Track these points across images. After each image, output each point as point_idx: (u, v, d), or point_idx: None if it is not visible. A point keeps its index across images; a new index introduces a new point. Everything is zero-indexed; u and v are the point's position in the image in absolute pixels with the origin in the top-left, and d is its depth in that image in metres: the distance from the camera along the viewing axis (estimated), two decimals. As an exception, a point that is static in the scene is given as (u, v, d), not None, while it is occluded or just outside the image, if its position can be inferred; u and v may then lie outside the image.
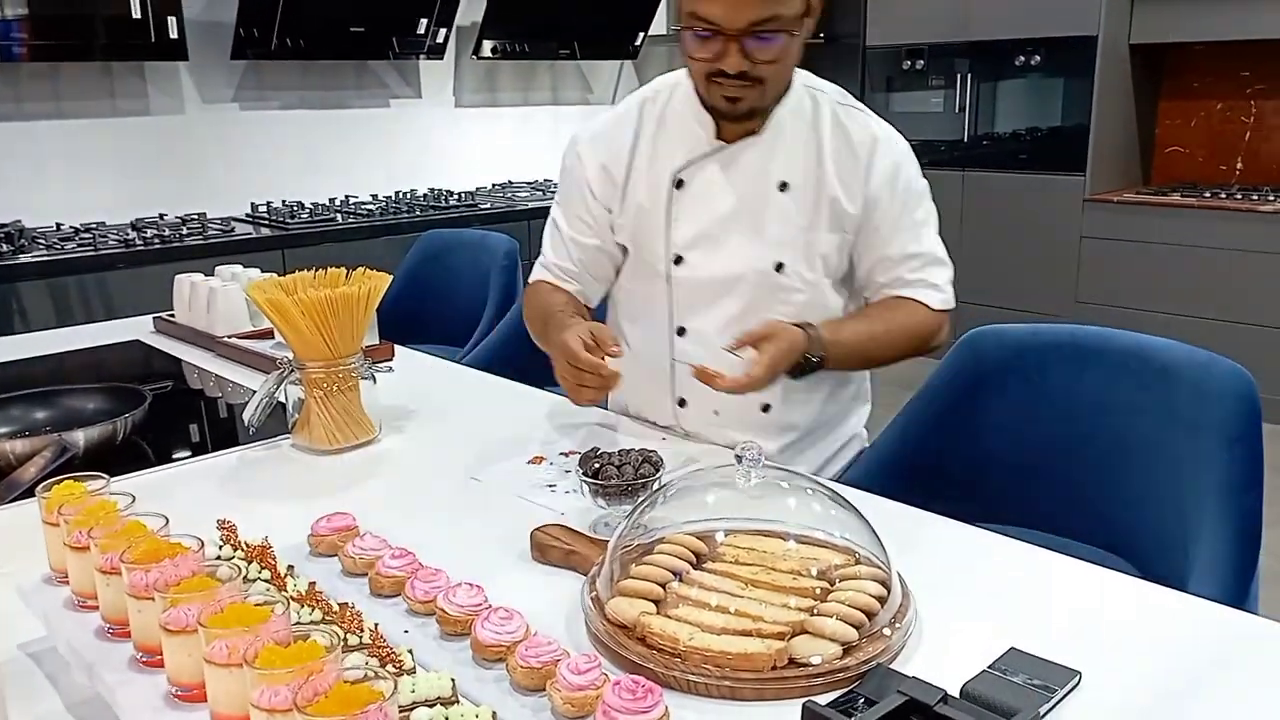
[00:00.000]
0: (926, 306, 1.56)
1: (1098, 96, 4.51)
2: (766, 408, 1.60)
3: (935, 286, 1.57)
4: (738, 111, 1.45)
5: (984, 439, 1.69)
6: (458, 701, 0.82)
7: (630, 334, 1.67)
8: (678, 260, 1.55)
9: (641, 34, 5.01)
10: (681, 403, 1.63)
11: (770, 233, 1.51)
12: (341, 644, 0.74)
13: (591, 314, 1.67)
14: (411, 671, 0.84)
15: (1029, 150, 4.83)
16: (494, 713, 0.80)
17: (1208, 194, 4.31)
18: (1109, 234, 4.53)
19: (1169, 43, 4.51)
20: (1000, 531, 1.24)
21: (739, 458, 1.07)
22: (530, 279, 1.72)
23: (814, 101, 1.53)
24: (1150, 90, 4.79)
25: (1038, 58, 4.70)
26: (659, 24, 5.09)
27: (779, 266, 1.52)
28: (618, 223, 1.60)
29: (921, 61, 5.10)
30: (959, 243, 5.15)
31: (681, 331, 1.59)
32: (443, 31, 4.30)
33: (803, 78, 1.53)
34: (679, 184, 1.53)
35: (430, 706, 0.79)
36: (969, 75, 4.93)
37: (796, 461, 1.62)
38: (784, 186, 1.50)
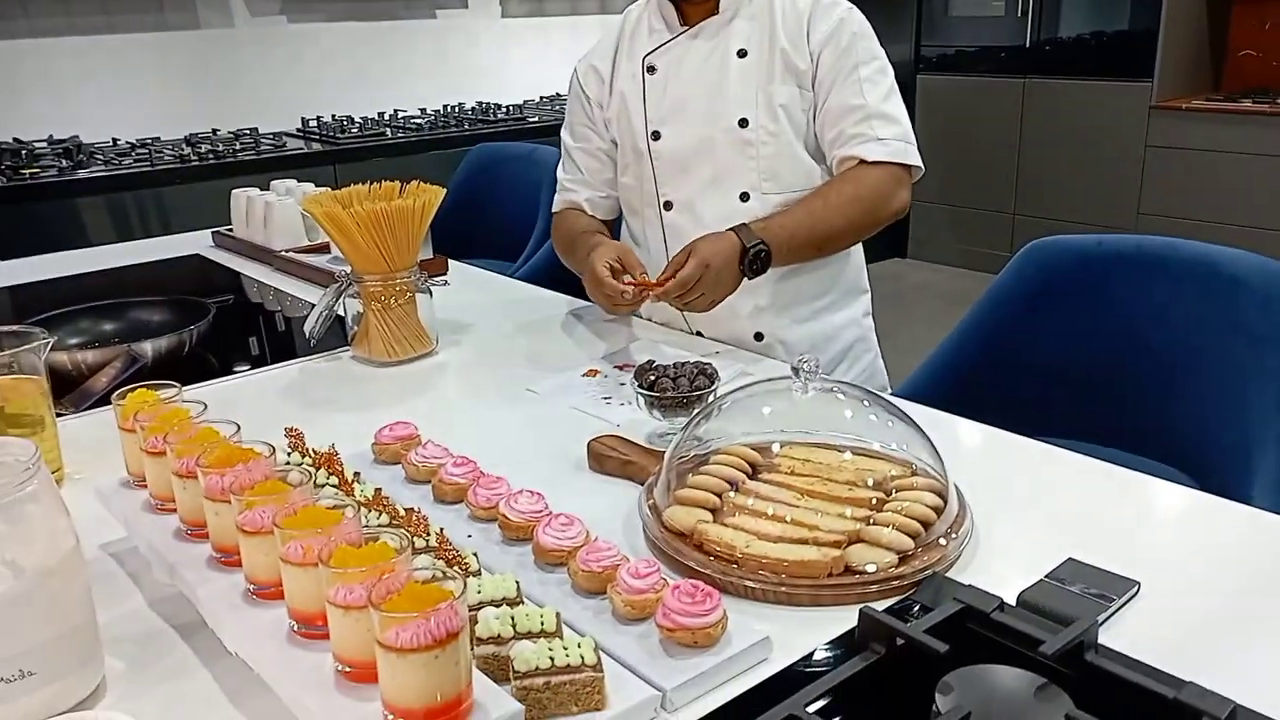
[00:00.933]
0: (865, 162, 1.57)
1: (1168, -1, 4.32)
2: (759, 336, 1.68)
3: (878, 139, 1.57)
4: None
5: (1043, 351, 1.67)
6: (522, 602, 0.85)
7: (633, 227, 1.79)
8: (655, 136, 1.67)
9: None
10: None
11: (732, 93, 1.61)
12: (410, 546, 0.76)
13: (612, 232, 1.81)
14: (477, 574, 0.87)
15: (1094, 55, 4.65)
16: (557, 613, 0.82)
17: (1281, 100, 4.15)
18: (1176, 143, 4.38)
19: (1247, -61, 4.29)
20: (1059, 444, 1.24)
21: (795, 370, 1.07)
22: (554, 207, 1.84)
23: None
24: (1224, -9, 4.58)
25: (1107, -43, 4.50)
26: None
27: (743, 122, 1.61)
28: (607, 117, 1.74)
29: (983, -38, 4.91)
30: (1018, 153, 5.06)
31: (668, 206, 1.69)
32: (489, -62, 4.21)
33: None
34: (651, 69, 1.67)
35: (496, 606, 0.81)
36: (1033, -23, 4.74)
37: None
38: (742, 53, 1.61)
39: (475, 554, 0.90)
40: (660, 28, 1.68)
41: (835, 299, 1.72)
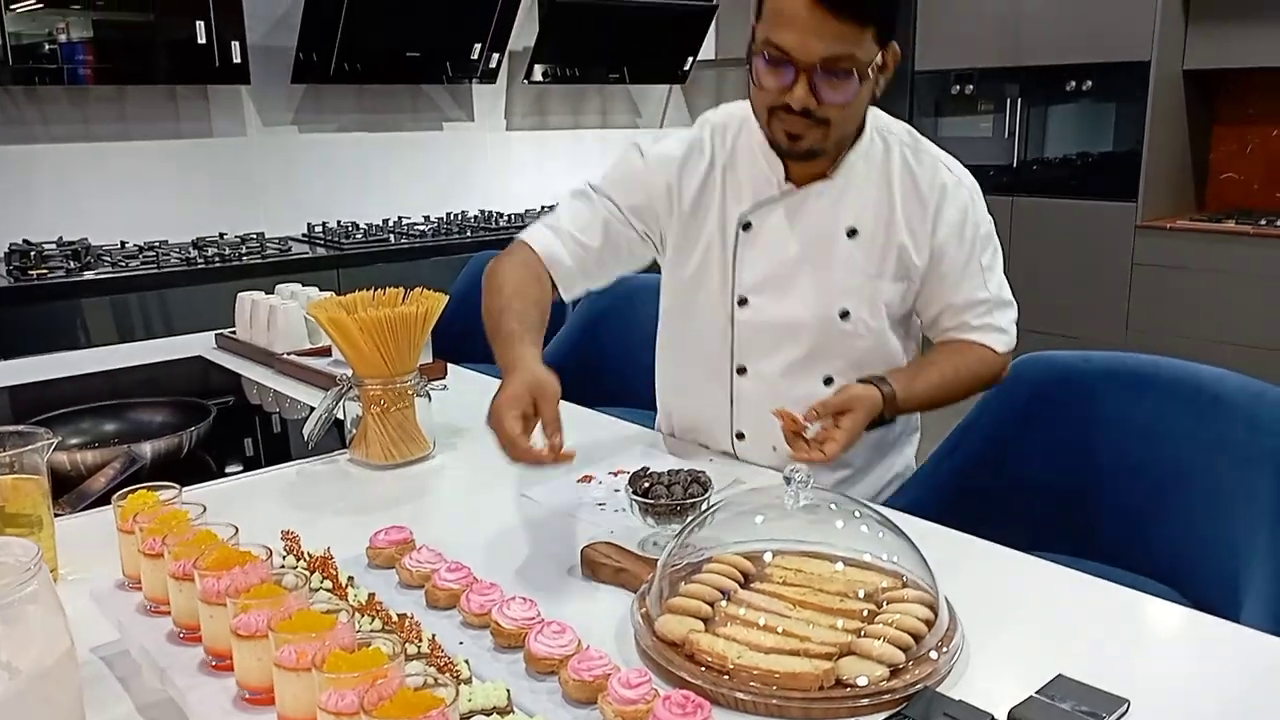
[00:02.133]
0: (992, 350, 1.56)
1: (1150, 122, 4.47)
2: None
3: (1000, 330, 1.56)
4: (798, 150, 1.41)
5: (1033, 466, 1.69)
6: (512, 711, 0.85)
7: (686, 368, 1.66)
8: (742, 302, 1.54)
9: (690, 58, 5.06)
10: (740, 436, 1.62)
11: (836, 280, 1.49)
12: (403, 652, 0.76)
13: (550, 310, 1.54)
14: (469, 681, 0.87)
15: (1080, 176, 4.80)
16: (548, 723, 0.82)
17: (1263, 221, 4.26)
18: (1161, 261, 4.48)
19: (1223, 68, 4.46)
20: (1049, 559, 1.25)
21: (787, 479, 1.09)
22: (523, 235, 1.58)
23: (884, 144, 1.50)
24: (1204, 116, 4.74)
25: (1089, 83, 4.67)
26: (708, 49, 5.13)
27: (844, 314, 1.50)
28: (675, 256, 1.58)
29: (971, 86, 5.09)
30: (1007, 269, 5.14)
31: (742, 371, 1.57)
32: (495, 56, 4.38)
33: (873, 117, 1.51)
34: (746, 226, 1.51)
35: (487, 715, 0.81)
36: (1019, 100, 4.91)
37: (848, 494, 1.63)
38: (852, 233, 1.48)
39: (467, 661, 0.90)
40: (761, 176, 1.50)
41: (893, 441, 1.69)
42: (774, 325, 1.53)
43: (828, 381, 1.54)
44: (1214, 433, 1.51)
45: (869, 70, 1.35)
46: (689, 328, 1.62)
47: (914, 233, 1.48)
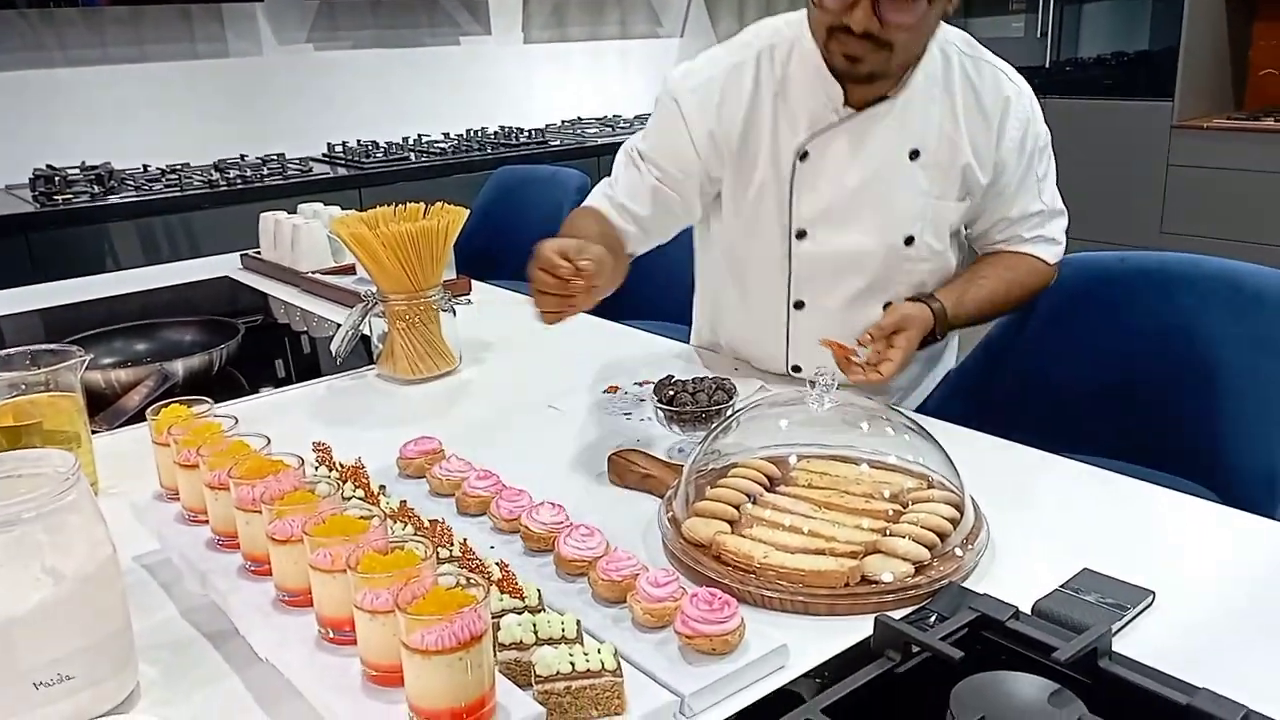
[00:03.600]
0: (1043, 261, 1.55)
1: (1188, 17, 4.31)
2: (796, 368, 1.60)
3: (1052, 240, 1.55)
4: (857, 73, 1.33)
5: (1065, 368, 1.68)
6: (544, 610, 0.87)
7: (736, 302, 1.60)
8: (800, 235, 1.45)
9: (712, -37, 4.92)
10: (795, 369, 1.57)
11: (899, 205, 1.43)
12: (434, 554, 0.78)
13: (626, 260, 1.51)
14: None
15: (1114, 75, 4.65)
16: (578, 621, 0.84)
17: (1304, 118, 4.13)
18: (1198, 161, 4.36)
19: (1267, -42, 4.29)
20: (1081, 460, 1.24)
21: (811, 383, 1.09)
22: (587, 200, 1.54)
23: (944, 57, 1.42)
24: (1244, 10, 4.57)
25: (1125, -22, 4.51)
26: (729, -48, 4.99)
27: (909, 240, 1.44)
28: (714, 177, 1.48)
29: (1002, -16, 4.94)
30: (1038, 173, 5.05)
31: (800, 305, 1.51)
32: (512, -34, 4.29)
33: (939, 42, 1.42)
34: (804, 156, 1.42)
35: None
36: (1052, -2, 4.76)
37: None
38: (915, 155, 1.41)
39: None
40: (818, 101, 1.40)
41: (934, 358, 1.69)
42: (836, 257, 1.46)
43: (886, 305, 1.49)
44: (1253, 330, 1.48)
45: None
46: (740, 261, 1.54)
47: (978, 150, 1.42)
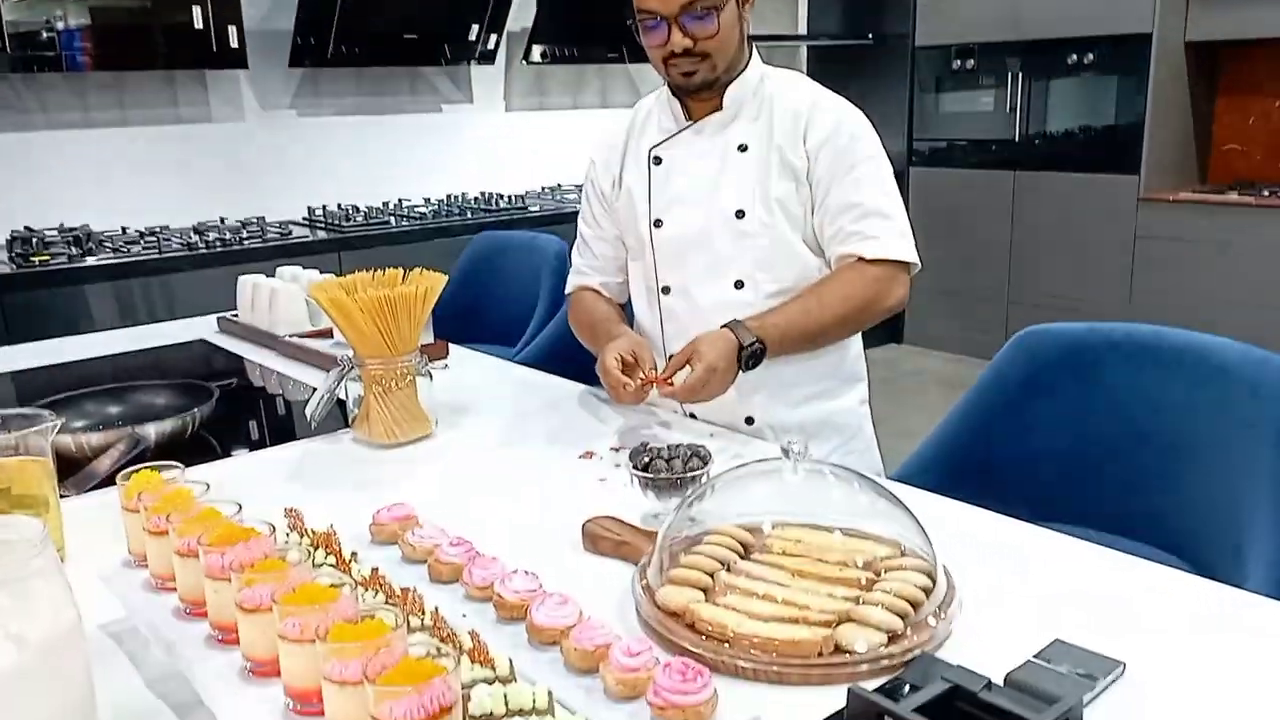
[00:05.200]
0: (862, 259, 1.62)
1: (1152, 95, 4.45)
2: (750, 420, 1.70)
3: (874, 238, 1.62)
4: (693, 85, 1.63)
5: (1036, 437, 1.70)
6: (515, 680, 0.86)
7: (637, 310, 1.84)
8: (658, 224, 1.72)
9: (689, 37, 5.03)
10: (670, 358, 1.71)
11: (731, 185, 1.67)
12: (405, 623, 0.77)
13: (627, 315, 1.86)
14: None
15: (1082, 150, 4.78)
16: (550, 691, 0.83)
17: (1266, 192, 4.24)
18: (1164, 234, 4.47)
19: (1226, 40, 4.44)
20: (1051, 529, 1.25)
21: (785, 451, 1.09)
22: (567, 289, 1.92)
23: (765, 79, 1.70)
24: (1206, 88, 4.72)
25: (1091, 56, 4.65)
26: (707, 27, 5.10)
27: (740, 214, 1.66)
28: (615, 206, 1.80)
29: (972, 61, 5.07)
30: (1010, 243, 5.15)
31: (666, 290, 1.75)
32: (494, 37, 4.37)
33: (760, 67, 1.71)
34: (656, 160, 1.73)
35: (489, 684, 0.82)
36: (1020, 74, 4.89)
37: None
38: (743, 148, 1.67)
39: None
40: (669, 123, 1.73)
41: (831, 386, 1.75)
42: (683, 238, 1.71)
43: (738, 285, 1.67)
44: (1218, 401, 1.51)
45: (728, 1, 1.58)
46: (631, 268, 1.83)
47: (789, 138, 1.65)
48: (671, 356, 1.66)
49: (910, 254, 1.64)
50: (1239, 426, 1.47)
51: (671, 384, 1.52)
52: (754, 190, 1.65)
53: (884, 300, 1.64)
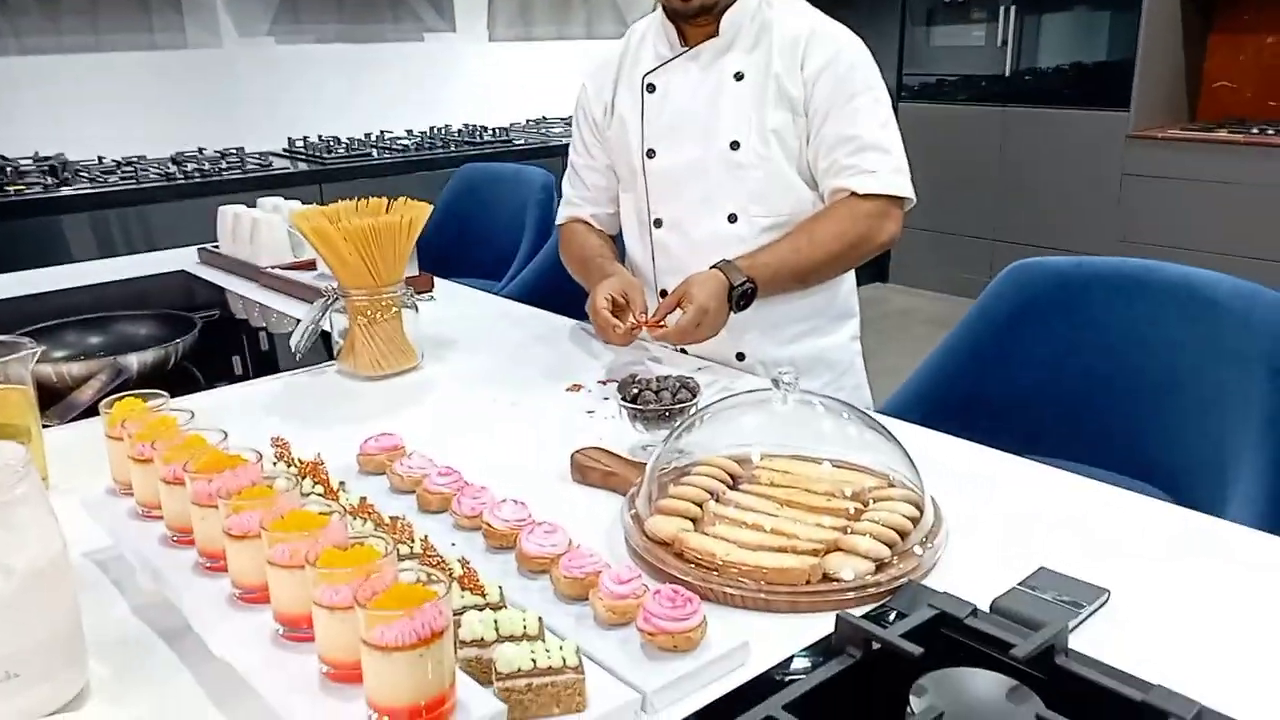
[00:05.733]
0: (857, 195, 1.60)
1: (1144, 30, 4.40)
2: (741, 356, 1.70)
3: (871, 171, 1.60)
4: (691, 9, 1.60)
5: (1025, 371, 1.70)
6: (505, 607, 0.86)
7: (628, 243, 1.82)
8: (650, 154, 1.70)
9: (677, -35, 4.92)
10: (663, 294, 1.72)
11: (726, 116, 1.63)
12: (395, 550, 0.77)
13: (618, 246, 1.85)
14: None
15: (1072, 85, 4.73)
16: (540, 617, 0.83)
17: (1255, 130, 4.21)
18: (1153, 171, 4.45)
19: (1221, -27, 4.38)
20: (1039, 460, 1.26)
21: (775, 382, 1.09)
22: (558, 220, 1.90)
23: (763, 4, 1.66)
24: (1199, 24, 4.66)
25: (1083, -11, 4.59)
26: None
27: (734, 145, 1.63)
28: (607, 135, 1.77)
29: (963, -7, 5.00)
30: (998, 179, 5.12)
31: (658, 223, 1.72)
32: (477, -37, 4.26)
33: None
34: (650, 88, 1.70)
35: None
36: (1011, 7, 4.82)
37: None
38: (739, 76, 1.63)
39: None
40: (663, 49, 1.70)
41: (822, 323, 1.74)
42: (676, 169, 1.68)
43: (731, 219, 1.65)
44: (1207, 336, 1.51)
45: None
46: (623, 199, 1.80)
47: (787, 66, 1.62)
48: (663, 292, 1.65)
49: (906, 189, 1.62)
50: (1229, 360, 1.47)
51: (664, 326, 1.51)
52: (749, 120, 1.62)
53: (877, 237, 1.62)
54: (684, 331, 1.49)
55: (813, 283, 1.68)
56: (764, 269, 1.56)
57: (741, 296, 1.53)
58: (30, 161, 3.46)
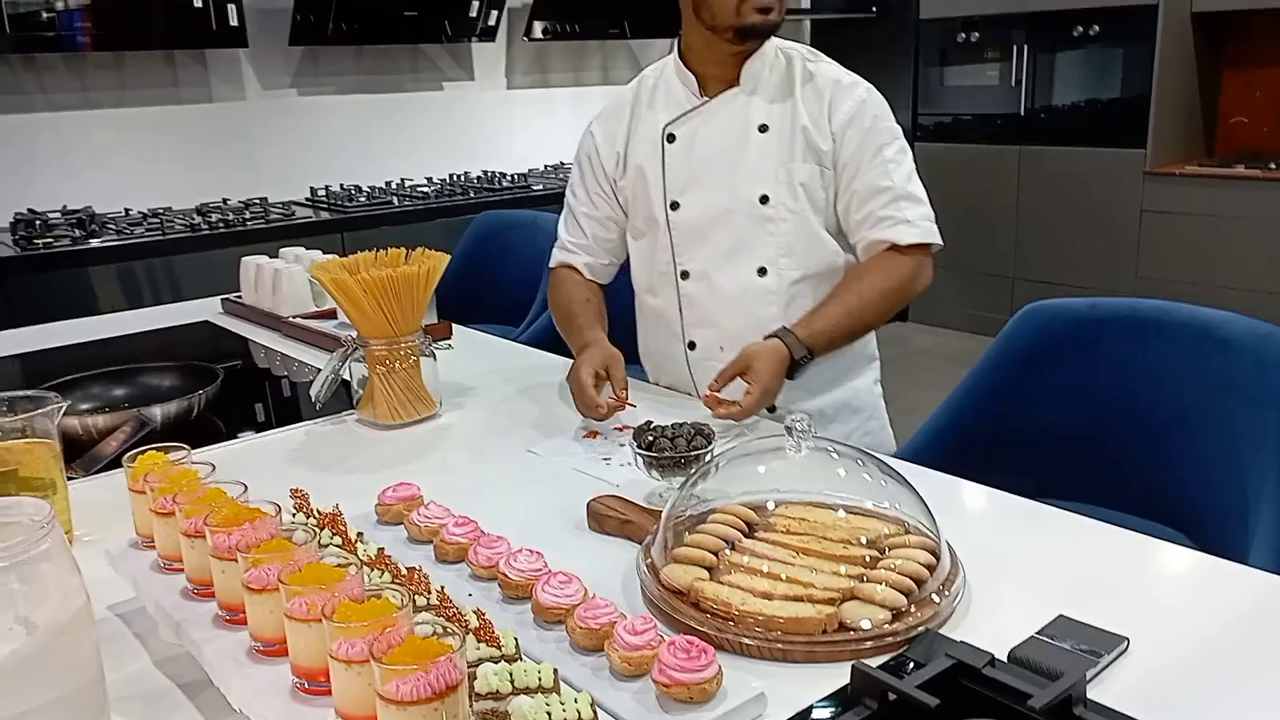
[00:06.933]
0: (897, 247, 1.60)
1: (1159, 67, 4.41)
2: (772, 408, 1.66)
3: (907, 222, 1.61)
4: (770, 23, 1.57)
5: (1041, 413, 1.70)
6: (521, 659, 0.86)
7: (645, 297, 1.80)
8: (674, 206, 1.68)
9: (692, 12, 4.99)
10: (691, 346, 1.73)
11: (753, 169, 1.63)
12: (411, 603, 0.78)
13: (605, 296, 1.83)
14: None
15: (1088, 123, 4.74)
16: (555, 669, 0.83)
17: (1272, 165, 4.21)
18: (1171, 208, 4.44)
19: (1232, 10, 4.39)
20: (1055, 505, 1.25)
21: (789, 429, 1.09)
22: (550, 263, 1.86)
23: (786, 57, 1.67)
24: (1213, 60, 4.68)
25: (1096, 28, 4.61)
26: (709, 2, 5.07)
27: (764, 199, 1.62)
28: (620, 184, 1.75)
29: (976, 34, 5.03)
30: (1016, 218, 5.13)
31: (685, 275, 1.70)
32: (494, 14, 4.34)
33: (776, 41, 1.66)
34: (670, 138, 1.68)
35: (495, 663, 0.83)
36: (1025, 47, 4.85)
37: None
38: (763, 128, 1.63)
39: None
40: (680, 96, 1.68)
41: (847, 367, 1.74)
42: (702, 220, 1.66)
43: (761, 272, 1.65)
44: (1221, 375, 1.51)
45: None
46: (639, 252, 1.78)
47: (815, 120, 1.62)
48: (691, 344, 1.65)
49: (938, 236, 1.63)
50: (1243, 400, 1.47)
51: (721, 398, 1.48)
52: (777, 173, 1.62)
53: (915, 286, 1.63)
54: (749, 412, 1.46)
55: (858, 338, 1.68)
56: (822, 337, 1.55)
57: (798, 366, 1.53)
58: (59, 215, 3.54)
